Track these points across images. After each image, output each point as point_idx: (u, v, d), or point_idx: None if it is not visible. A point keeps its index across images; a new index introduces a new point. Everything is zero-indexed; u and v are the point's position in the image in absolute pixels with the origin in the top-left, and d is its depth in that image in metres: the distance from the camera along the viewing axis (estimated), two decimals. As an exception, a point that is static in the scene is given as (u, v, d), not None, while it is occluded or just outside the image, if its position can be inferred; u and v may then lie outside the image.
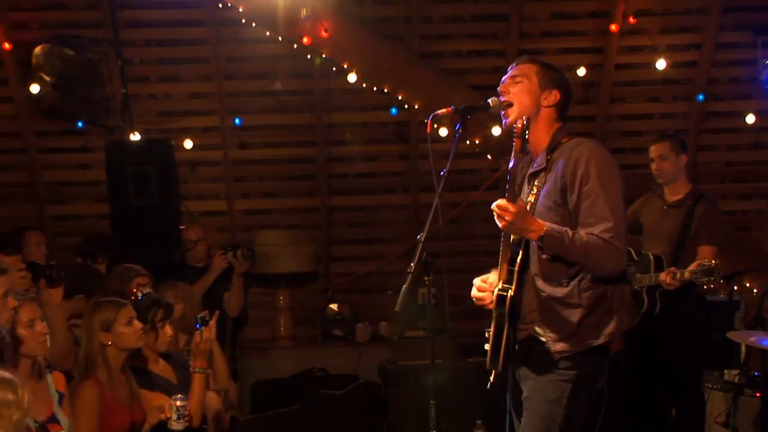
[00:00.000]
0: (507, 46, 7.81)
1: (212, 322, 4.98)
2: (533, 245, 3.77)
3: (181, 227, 7.23)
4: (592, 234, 3.67)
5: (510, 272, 3.80)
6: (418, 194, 8.38)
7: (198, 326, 4.95)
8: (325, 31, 7.33)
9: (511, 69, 3.97)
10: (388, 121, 8.14)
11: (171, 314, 5.04)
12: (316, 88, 7.95)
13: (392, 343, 7.96)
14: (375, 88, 7.77)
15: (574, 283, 3.75)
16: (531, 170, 3.90)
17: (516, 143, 3.67)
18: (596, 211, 3.67)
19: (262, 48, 7.72)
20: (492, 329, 3.84)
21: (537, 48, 7.78)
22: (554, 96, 3.90)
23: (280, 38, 7.49)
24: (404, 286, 3.58)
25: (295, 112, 8.12)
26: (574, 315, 3.74)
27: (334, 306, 8.34)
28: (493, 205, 3.63)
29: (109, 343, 4.58)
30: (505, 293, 3.79)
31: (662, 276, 5.74)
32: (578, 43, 7.89)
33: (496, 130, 7.56)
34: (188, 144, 7.88)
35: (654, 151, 6.11)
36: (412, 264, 3.59)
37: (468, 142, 7.74)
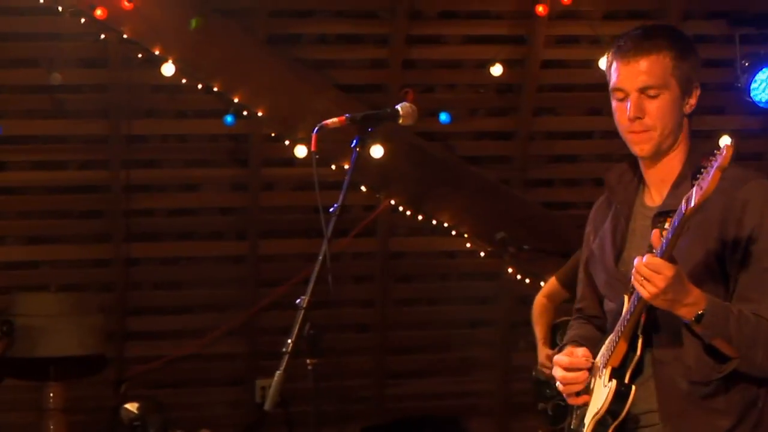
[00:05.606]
0: (392, 29, 7.79)
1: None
2: (661, 313, 3.56)
3: None
4: (759, 315, 3.51)
5: (631, 350, 3.63)
6: (258, 241, 8.37)
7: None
8: (129, 0, 7.12)
9: (629, 67, 3.56)
10: (217, 134, 8.14)
11: None
12: (112, 83, 7.84)
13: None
14: (200, 86, 7.70)
15: (719, 380, 3.59)
16: (659, 208, 3.66)
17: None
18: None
19: (31, 22, 7.62)
20: None
21: (433, 34, 7.87)
22: (695, 95, 3.63)
23: (60, 8, 7.33)
24: (278, 372, 3.50)
25: (80, 117, 7.99)
26: (719, 425, 3.60)
27: (131, 406, 7.97)
28: (640, 263, 3.39)
29: None
30: (626, 390, 3.61)
31: None
32: (492, 29, 7.94)
33: (377, 151, 7.44)
34: None
35: None
36: (289, 341, 3.52)
37: (333, 167, 7.66)
